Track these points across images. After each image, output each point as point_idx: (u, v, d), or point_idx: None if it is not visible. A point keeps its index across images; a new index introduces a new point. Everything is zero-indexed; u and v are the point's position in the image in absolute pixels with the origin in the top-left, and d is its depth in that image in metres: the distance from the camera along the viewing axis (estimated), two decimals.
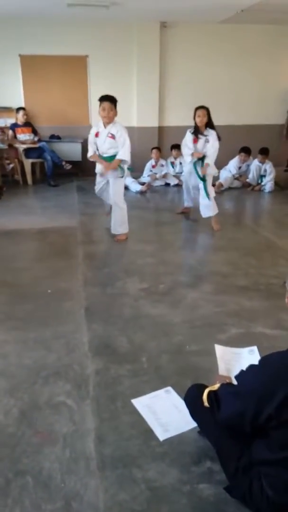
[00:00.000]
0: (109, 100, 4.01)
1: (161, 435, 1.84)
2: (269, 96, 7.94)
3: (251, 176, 6.83)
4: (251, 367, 1.44)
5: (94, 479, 1.64)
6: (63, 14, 6.41)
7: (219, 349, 1.96)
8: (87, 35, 7.14)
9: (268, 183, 6.72)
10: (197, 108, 4.56)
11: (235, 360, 1.91)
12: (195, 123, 4.59)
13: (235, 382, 1.73)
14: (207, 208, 4.76)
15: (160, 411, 1.97)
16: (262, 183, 6.79)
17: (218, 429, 1.57)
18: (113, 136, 4.07)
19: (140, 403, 2.02)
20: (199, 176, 4.70)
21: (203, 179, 4.67)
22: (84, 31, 7.09)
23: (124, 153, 4.10)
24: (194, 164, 4.72)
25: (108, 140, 4.10)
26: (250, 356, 1.91)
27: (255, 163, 6.82)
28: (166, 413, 1.95)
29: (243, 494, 1.47)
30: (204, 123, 4.53)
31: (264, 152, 6.75)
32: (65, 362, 2.35)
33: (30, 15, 6.61)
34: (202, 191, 4.72)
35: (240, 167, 6.98)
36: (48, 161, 6.90)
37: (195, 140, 4.62)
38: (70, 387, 2.14)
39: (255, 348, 1.96)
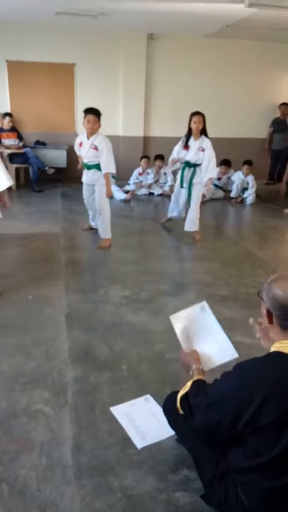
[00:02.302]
0: (94, 113, 4.14)
1: (139, 443, 1.84)
2: (252, 110, 8.12)
3: (234, 188, 6.97)
4: (226, 374, 1.44)
5: (70, 487, 1.63)
6: (51, 22, 6.45)
7: (173, 319, 1.87)
8: (75, 44, 7.19)
9: (249, 196, 6.87)
10: (193, 114, 4.48)
11: (191, 322, 1.85)
12: (190, 129, 4.51)
13: (201, 351, 1.77)
14: (193, 221, 4.77)
15: (138, 419, 1.97)
16: (244, 196, 6.93)
17: (195, 437, 1.57)
18: (96, 148, 4.19)
19: (119, 411, 2.02)
20: (182, 183, 4.71)
21: (189, 186, 4.66)
22: (72, 40, 7.14)
23: (109, 166, 4.19)
24: (183, 171, 4.69)
25: (91, 151, 4.23)
26: (202, 314, 1.85)
27: (238, 176, 6.96)
28: (144, 421, 1.95)
29: (219, 502, 1.47)
30: (200, 129, 4.46)
31: (248, 163, 6.91)
32: (44, 369, 2.33)
33: (18, 21, 6.63)
34: (191, 201, 4.72)
35: (220, 178, 7.11)
36: (33, 166, 6.90)
37: (186, 147, 4.57)
38: (48, 395, 2.13)
39: (205, 303, 1.87)
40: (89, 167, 4.35)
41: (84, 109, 4.24)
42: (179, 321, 1.87)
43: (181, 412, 1.55)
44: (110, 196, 4.41)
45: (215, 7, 5.24)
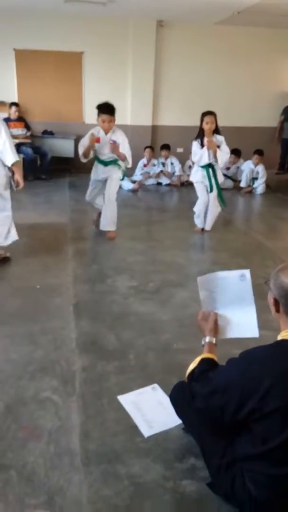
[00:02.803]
0: (109, 113, 4.00)
1: (146, 432, 1.85)
2: (263, 98, 7.99)
3: (244, 178, 6.88)
4: (232, 361, 1.44)
5: (78, 474, 1.65)
6: (60, 10, 6.37)
7: (201, 280, 1.74)
8: (83, 32, 7.10)
9: (259, 186, 6.78)
10: (204, 114, 4.30)
11: (221, 286, 1.70)
12: (201, 129, 4.34)
13: (221, 314, 1.69)
14: (213, 220, 4.69)
15: (145, 408, 1.98)
16: (254, 185, 6.84)
17: (202, 426, 1.59)
18: (114, 143, 4.11)
19: (126, 400, 2.03)
20: (210, 184, 4.52)
21: (217, 186, 4.55)
22: (80, 28, 7.05)
23: (129, 159, 4.17)
24: (208, 172, 4.49)
25: (110, 147, 4.11)
26: (241, 281, 1.68)
27: (248, 165, 6.87)
28: (151, 410, 1.96)
29: (226, 490, 1.48)
30: (212, 130, 4.28)
31: (259, 153, 6.81)
32: (52, 358, 2.35)
33: (26, 9, 6.54)
34: (214, 200, 4.58)
35: (228, 168, 7.03)
36: (46, 155, 6.86)
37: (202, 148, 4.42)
38: (57, 383, 2.14)
39: (247, 272, 1.68)
40: (106, 163, 4.22)
41: (98, 106, 4.05)
42: (207, 281, 1.73)
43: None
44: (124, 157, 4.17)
45: None
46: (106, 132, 4.13)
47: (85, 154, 4.16)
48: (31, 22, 6.89)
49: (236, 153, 6.98)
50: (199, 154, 4.41)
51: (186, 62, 7.55)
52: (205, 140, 4.34)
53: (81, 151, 4.17)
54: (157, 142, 7.55)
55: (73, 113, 7.51)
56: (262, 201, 6.51)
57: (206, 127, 4.30)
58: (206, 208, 4.66)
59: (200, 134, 4.40)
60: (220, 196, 4.61)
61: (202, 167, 4.49)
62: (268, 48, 7.72)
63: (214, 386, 1.44)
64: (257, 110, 8.01)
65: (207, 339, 1.70)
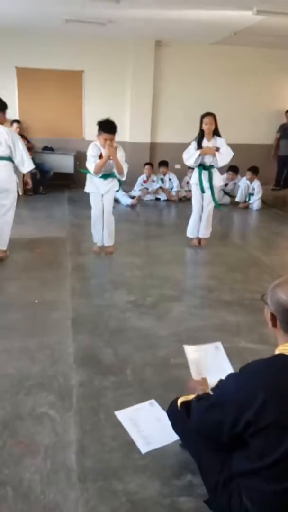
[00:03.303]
0: (112, 132, 3.92)
1: (143, 448, 1.84)
2: (259, 116, 8.15)
3: (239, 194, 6.97)
4: (230, 375, 1.46)
5: (74, 491, 1.63)
6: (60, 29, 6.53)
7: (188, 350, 1.97)
8: (83, 51, 7.27)
9: (255, 201, 6.86)
10: (204, 115, 4.38)
11: (204, 357, 1.94)
12: (201, 131, 4.39)
13: (209, 382, 1.79)
14: (209, 228, 4.73)
15: (143, 423, 1.97)
16: (250, 201, 6.93)
17: (199, 442, 1.58)
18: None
19: (123, 416, 2.02)
20: (201, 185, 4.53)
21: (211, 188, 4.57)
22: (81, 47, 7.22)
23: (125, 172, 4.13)
24: (200, 173, 4.53)
25: (111, 162, 4.05)
26: (216, 352, 1.95)
27: (244, 182, 6.97)
28: (149, 426, 1.96)
29: (223, 507, 1.47)
30: (212, 130, 4.36)
31: (253, 170, 6.90)
32: (50, 372, 2.35)
33: (28, 28, 6.72)
34: (208, 203, 4.62)
35: (226, 185, 7.11)
36: (47, 172, 7.07)
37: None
38: (54, 398, 2.14)
39: (219, 344, 1.98)
40: (106, 177, 4.15)
41: (99, 123, 3.95)
42: (192, 352, 1.96)
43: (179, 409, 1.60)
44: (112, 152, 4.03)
45: (223, 14, 5.28)
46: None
47: (99, 171, 4.08)
48: (32, 41, 7.06)
49: (233, 169, 7.08)
50: (190, 154, 4.48)
51: (184, 80, 7.73)
52: (204, 143, 4.40)
53: (96, 169, 4.02)
54: (155, 158, 7.66)
55: (73, 130, 7.64)
56: (258, 216, 6.58)
57: (205, 127, 4.37)
58: (200, 216, 4.71)
59: (200, 135, 4.45)
60: (214, 199, 4.64)
61: (199, 167, 4.53)
62: (265, 67, 7.91)
63: (212, 401, 1.47)
64: (254, 127, 8.16)
65: (201, 388, 1.74)
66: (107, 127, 3.93)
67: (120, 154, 4.07)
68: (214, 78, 7.78)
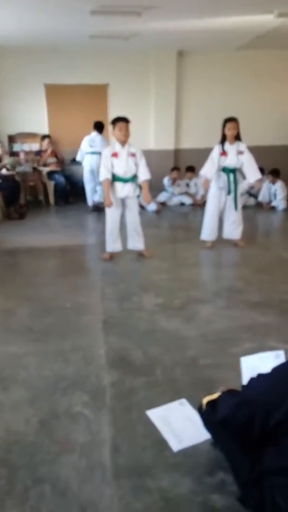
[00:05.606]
0: (125, 120, 4.07)
1: (175, 446, 1.87)
2: (283, 118, 8.06)
3: (262, 195, 6.94)
4: (261, 375, 1.48)
5: (109, 488, 1.68)
6: (85, 45, 6.73)
7: (245, 361, 1.91)
8: (107, 65, 7.47)
9: (280, 202, 6.79)
10: (227, 120, 4.47)
11: (262, 366, 1.82)
12: (224, 135, 4.49)
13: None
14: (239, 228, 4.74)
15: (174, 422, 2.01)
16: (274, 203, 6.90)
17: (230, 440, 1.60)
18: (134, 155, 4.15)
19: (155, 414, 2.06)
20: (229, 189, 4.59)
21: (235, 190, 4.61)
22: (105, 61, 7.42)
23: (146, 172, 4.21)
24: (228, 176, 4.58)
25: (130, 160, 4.13)
26: (276, 360, 1.82)
27: (266, 184, 6.94)
28: (180, 425, 1.99)
29: (256, 505, 1.48)
30: (234, 135, 4.46)
31: (274, 174, 6.87)
32: (83, 373, 2.42)
33: (55, 46, 6.94)
34: (231, 205, 4.67)
35: (253, 187, 7.05)
36: (76, 184, 7.37)
37: (223, 153, 4.52)
38: (87, 398, 2.21)
39: (282, 352, 1.86)
40: (126, 180, 4.15)
41: (113, 120, 4.11)
42: (251, 361, 1.90)
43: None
44: (149, 201, 4.36)
45: (244, 19, 5.28)
46: (123, 144, 4.10)
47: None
48: (59, 58, 7.31)
49: (274, 173, 7.08)
50: (210, 164, 4.55)
51: (207, 87, 7.78)
52: (226, 146, 4.48)
53: (108, 175, 4.11)
54: (180, 164, 7.74)
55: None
56: (284, 217, 6.50)
57: (228, 133, 4.44)
58: (219, 216, 4.74)
59: (223, 140, 4.52)
60: (235, 201, 4.66)
61: (223, 170, 4.58)
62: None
63: (241, 398, 1.49)
64: (278, 129, 8.10)
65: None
66: (119, 118, 4.09)
67: (139, 154, 4.16)
68: (236, 83, 7.78)
